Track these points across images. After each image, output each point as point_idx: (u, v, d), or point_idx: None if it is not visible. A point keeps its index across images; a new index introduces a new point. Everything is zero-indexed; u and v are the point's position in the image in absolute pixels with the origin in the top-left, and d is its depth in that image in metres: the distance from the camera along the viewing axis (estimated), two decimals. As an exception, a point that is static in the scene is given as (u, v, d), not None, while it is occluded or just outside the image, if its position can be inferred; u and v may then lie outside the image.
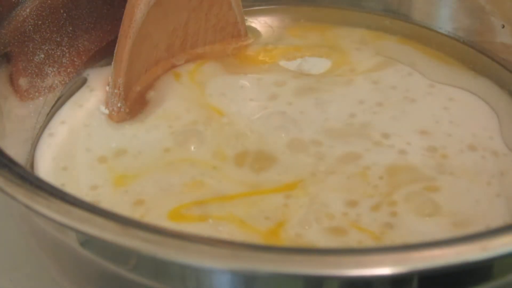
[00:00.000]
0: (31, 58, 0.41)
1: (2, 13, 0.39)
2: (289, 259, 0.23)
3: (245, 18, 0.47)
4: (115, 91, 0.41)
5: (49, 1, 0.42)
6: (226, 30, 0.46)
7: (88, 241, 0.27)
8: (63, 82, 0.43)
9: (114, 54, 0.41)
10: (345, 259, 0.23)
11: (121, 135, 0.40)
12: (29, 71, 0.41)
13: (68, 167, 0.38)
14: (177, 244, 0.24)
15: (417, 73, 0.44)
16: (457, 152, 0.38)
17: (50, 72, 0.42)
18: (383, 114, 0.41)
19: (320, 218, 0.34)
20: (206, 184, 0.36)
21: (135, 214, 0.35)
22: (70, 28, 0.43)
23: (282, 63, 0.45)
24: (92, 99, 0.42)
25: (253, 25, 0.49)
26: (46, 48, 0.42)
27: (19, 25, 0.40)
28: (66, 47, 0.43)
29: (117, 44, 0.41)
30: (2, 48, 0.39)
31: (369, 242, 0.33)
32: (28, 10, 0.41)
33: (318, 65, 0.45)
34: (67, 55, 0.43)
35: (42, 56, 0.42)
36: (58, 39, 0.43)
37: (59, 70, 0.43)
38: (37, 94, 0.41)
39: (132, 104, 0.42)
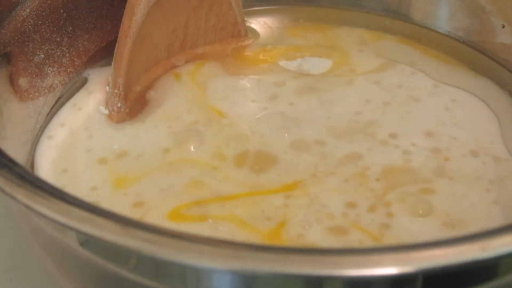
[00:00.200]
0: (31, 58, 0.41)
1: (2, 13, 0.39)
2: (289, 259, 0.23)
3: (245, 18, 0.47)
4: (115, 91, 0.41)
5: (49, 1, 0.42)
6: (226, 30, 0.46)
7: (88, 241, 0.27)
8: (63, 82, 0.43)
9: (114, 54, 0.41)
10: (345, 259, 0.23)
11: (121, 136, 0.40)
12: (29, 71, 0.41)
13: (68, 169, 0.38)
14: (177, 244, 0.24)
15: (420, 72, 0.44)
16: (459, 156, 0.38)
17: (50, 72, 0.42)
18: (390, 113, 0.41)
19: (320, 218, 0.34)
20: (206, 184, 0.36)
21: (135, 214, 0.35)
22: (70, 28, 0.43)
23: (282, 63, 0.45)
24: (91, 101, 0.42)
25: (252, 25, 0.49)
26: (46, 48, 0.42)
27: (19, 25, 0.40)
28: (66, 47, 0.43)
29: (117, 44, 0.41)
30: (2, 48, 0.39)
31: (369, 242, 0.33)
32: (28, 10, 0.41)
33: (318, 65, 0.45)
34: (67, 55, 0.43)
35: (42, 56, 0.42)
36: (58, 39, 0.43)
37: (59, 70, 0.43)
38: (37, 94, 0.41)
39: (132, 104, 0.42)
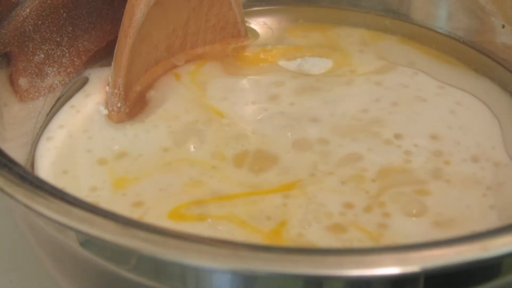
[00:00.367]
0: (31, 58, 0.41)
1: (2, 13, 0.39)
2: (289, 259, 0.23)
3: (245, 18, 0.47)
4: (115, 91, 0.41)
5: (49, 1, 0.42)
6: (226, 30, 0.46)
7: (88, 241, 0.27)
8: (63, 82, 0.43)
9: (114, 54, 0.41)
10: (345, 259, 0.23)
11: (121, 136, 0.40)
12: (29, 71, 0.41)
13: (68, 171, 0.38)
14: (177, 244, 0.24)
15: (422, 73, 0.44)
16: (460, 161, 0.38)
17: (50, 72, 0.42)
18: (395, 113, 0.41)
19: (318, 217, 0.34)
20: (205, 184, 0.36)
21: (134, 214, 0.35)
22: (70, 28, 0.43)
23: (282, 63, 0.45)
24: (90, 102, 0.42)
25: (252, 25, 0.49)
26: (46, 48, 0.42)
27: (19, 25, 0.40)
28: (66, 47, 0.43)
29: (117, 44, 0.41)
30: (2, 48, 0.39)
31: (368, 241, 0.33)
32: (28, 10, 0.41)
33: (318, 65, 0.45)
34: (67, 55, 0.43)
35: (42, 56, 0.42)
36: (58, 39, 0.43)
37: (59, 70, 0.43)
38: (37, 94, 0.41)
39: (132, 104, 0.42)
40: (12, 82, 0.40)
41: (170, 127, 0.40)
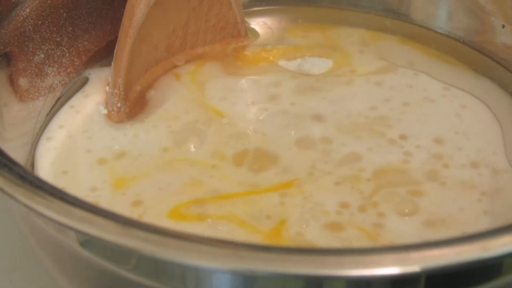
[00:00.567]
0: (31, 58, 0.41)
1: (2, 13, 0.39)
2: (289, 259, 0.23)
3: (245, 19, 0.47)
4: (115, 91, 0.41)
5: (49, 1, 0.42)
6: (226, 30, 0.46)
7: (88, 241, 0.27)
8: (63, 82, 0.43)
9: (114, 54, 0.41)
10: (345, 259, 0.23)
11: (121, 136, 0.40)
12: (29, 71, 0.41)
13: (68, 171, 0.38)
14: (177, 244, 0.24)
15: (422, 73, 0.44)
16: (459, 165, 0.37)
17: (50, 72, 0.42)
18: (405, 114, 0.41)
19: (316, 216, 0.34)
20: (205, 183, 0.36)
21: (134, 213, 0.35)
22: (70, 28, 0.43)
23: (282, 63, 0.45)
24: (90, 102, 0.42)
25: (252, 25, 0.49)
26: (46, 48, 0.42)
27: (19, 25, 0.40)
28: (66, 47, 0.43)
29: (117, 44, 0.41)
30: (2, 48, 0.39)
31: (365, 240, 0.33)
32: (28, 10, 0.41)
33: (318, 65, 0.45)
34: (67, 55, 0.43)
35: (42, 56, 0.42)
36: (58, 39, 0.43)
37: (59, 70, 0.43)
38: (37, 94, 0.41)
39: (132, 104, 0.42)
40: (12, 82, 0.40)
41: (170, 127, 0.40)
